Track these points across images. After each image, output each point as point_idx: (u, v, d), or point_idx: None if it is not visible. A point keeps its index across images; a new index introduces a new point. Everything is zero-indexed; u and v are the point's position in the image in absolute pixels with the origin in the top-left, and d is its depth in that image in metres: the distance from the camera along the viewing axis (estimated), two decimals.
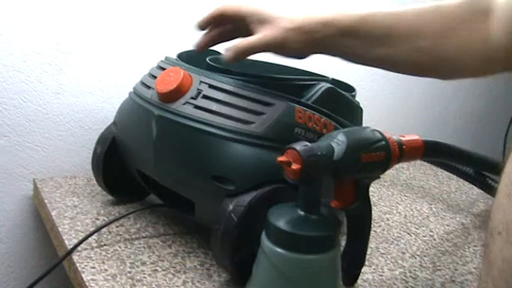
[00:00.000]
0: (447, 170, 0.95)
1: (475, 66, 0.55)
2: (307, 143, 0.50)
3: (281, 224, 0.49)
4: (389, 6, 0.58)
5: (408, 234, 0.81)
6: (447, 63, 0.55)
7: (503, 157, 1.42)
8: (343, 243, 0.57)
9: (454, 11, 0.55)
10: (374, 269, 0.69)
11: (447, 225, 0.87)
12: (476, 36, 0.53)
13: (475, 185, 0.92)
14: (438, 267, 0.72)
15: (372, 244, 0.75)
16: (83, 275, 0.58)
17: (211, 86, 0.61)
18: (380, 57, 0.57)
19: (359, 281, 0.64)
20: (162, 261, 0.63)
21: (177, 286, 0.59)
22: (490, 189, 0.89)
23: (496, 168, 0.85)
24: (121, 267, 0.61)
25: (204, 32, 0.66)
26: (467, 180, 0.92)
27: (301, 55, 0.60)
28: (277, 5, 0.60)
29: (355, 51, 0.58)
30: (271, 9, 0.59)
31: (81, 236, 0.66)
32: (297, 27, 0.58)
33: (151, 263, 0.62)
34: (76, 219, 0.71)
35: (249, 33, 0.60)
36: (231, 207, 0.56)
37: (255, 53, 0.59)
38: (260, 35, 0.58)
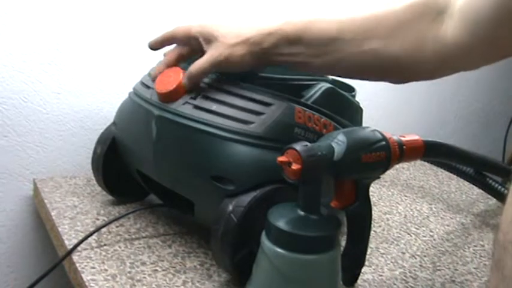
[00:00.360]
0: (447, 170, 0.95)
1: (426, 66, 0.55)
2: (307, 143, 0.50)
3: (281, 224, 0.49)
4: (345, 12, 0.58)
5: (408, 234, 0.81)
6: (396, 65, 0.55)
7: (503, 157, 1.42)
8: (343, 243, 0.57)
9: (402, 13, 0.55)
10: (374, 269, 0.69)
11: (447, 225, 0.87)
12: (426, 36, 0.53)
13: (475, 185, 0.92)
14: (438, 267, 0.72)
15: (372, 244, 0.75)
16: (83, 275, 0.58)
17: (210, 86, 0.61)
18: (329, 63, 0.57)
19: (359, 281, 0.64)
20: (162, 261, 0.63)
21: (177, 286, 0.59)
22: (490, 189, 0.89)
23: (496, 169, 0.85)
24: (121, 267, 0.61)
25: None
26: (467, 180, 0.92)
27: (251, 68, 0.60)
28: (226, 21, 0.61)
29: (303, 59, 0.58)
30: (218, 27, 0.60)
31: (81, 236, 0.66)
32: (242, 41, 0.58)
33: (151, 263, 0.62)
34: (76, 219, 0.71)
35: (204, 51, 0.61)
36: (230, 207, 0.56)
37: (206, 74, 0.60)
38: (207, 56, 0.59)
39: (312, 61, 0.58)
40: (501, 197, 0.88)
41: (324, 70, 0.61)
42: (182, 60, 0.66)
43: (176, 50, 0.66)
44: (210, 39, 0.60)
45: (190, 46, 0.64)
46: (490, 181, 0.88)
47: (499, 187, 0.87)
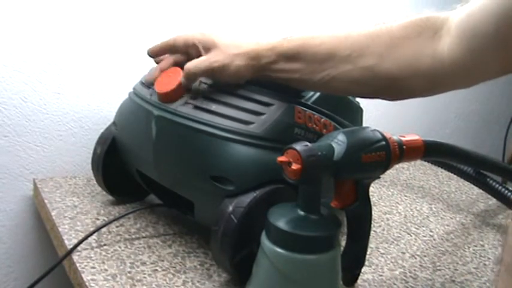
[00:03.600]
0: (448, 170, 0.94)
1: (421, 83, 0.54)
2: (307, 143, 0.50)
3: (281, 224, 0.49)
4: (342, 28, 0.58)
5: (408, 234, 0.81)
6: (390, 82, 0.55)
7: (503, 157, 1.42)
8: (343, 243, 0.57)
9: (399, 30, 0.55)
10: (374, 269, 0.69)
11: (447, 225, 0.87)
12: (423, 53, 0.53)
13: (476, 185, 0.92)
14: (438, 267, 0.72)
15: (372, 244, 0.75)
16: (83, 275, 0.58)
17: (210, 86, 0.61)
18: (325, 80, 0.57)
19: (359, 281, 0.64)
20: (162, 261, 0.63)
21: (177, 286, 0.59)
22: (490, 190, 0.89)
23: (496, 168, 0.85)
24: (121, 267, 0.61)
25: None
26: (467, 180, 0.92)
27: (246, 80, 0.61)
28: (226, 31, 0.61)
29: (299, 75, 0.58)
30: (219, 37, 0.60)
31: (81, 236, 0.66)
32: (241, 53, 0.59)
33: (151, 263, 0.62)
34: (76, 219, 0.71)
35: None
36: (230, 208, 0.56)
37: (201, 75, 0.60)
38: (206, 58, 0.59)
39: (308, 78, 0.58)
40: (501, 197, 0.88)
41: (319, 87, 0.61)
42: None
43: (172, 58, 0.66)
44: (209, 47, 0.60)
45: (188, 55, 0.64)
46: (490, 181, 0.88)
47: (499, 187, 0.87)
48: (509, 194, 0.86)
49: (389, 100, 0.59)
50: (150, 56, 0.67)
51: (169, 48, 0.66)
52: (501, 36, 0.47)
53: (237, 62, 0.58)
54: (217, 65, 0.59)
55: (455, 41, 0.51)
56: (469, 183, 0.93)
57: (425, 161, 1.10)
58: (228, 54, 0.59)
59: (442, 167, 0.99)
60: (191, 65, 0.60)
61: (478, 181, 0.89)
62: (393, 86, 0.56)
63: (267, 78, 0.60)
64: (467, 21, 0.50)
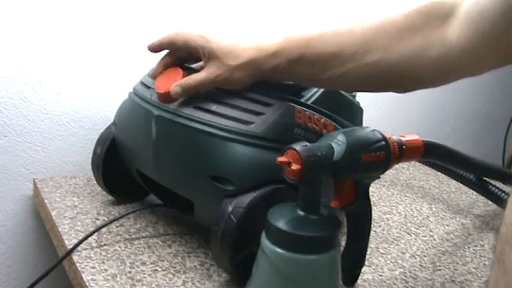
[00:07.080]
0: (447, 175, 0.94)
1: (430, 72, 0.54)
2: (307, 143, 0.50)
3: (281, 224, 0.49)
4: (344, 23, 0.57)
5: (408, 234, 0.81)
6: (398, 74, 0.54)
7: (503, 157, 1.42)
8: (343, 243, 0.57)
9: (403, 20, 0.54)
10: (374, 269, 0.69)
11: (447, 225, 0.87)
12: (431, 41, 0.52)
13: (476, 190, 0.91)
14: (438, 267, 0.72)
15: (372, 244, 0.75)
16: (83, 275, 0.58)
17: None
18: (332, 78, 0.57)
19: (359, 281, 0.64)
20: (162, 261, 0.63)
21: (177, 286, 0.59)
22: (490, 195, 0.88)
23: (496, 173, 0.84)
24: (121, 267, 0.61)
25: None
26: (467, 186, 0.91)
27: (246, 86, 0.60)
28: (226, 33, 0.61)
29: (307, 76, 0.58)
30: (219, 44, 0.59)
31: (81, 236, 0.66)
32: (242, 64, 0.58)
33: (151, 263, 0.62)
34: (76, 219, 0.71)
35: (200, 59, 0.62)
36: (230, 208, 0.56)
37: (202, 90, 0.60)
38: (206, 73, 0.59)
39: (314, 78, 0.57)
40: (501, 202, 0.88)
41: (326, 85, 0.60)
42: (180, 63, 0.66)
43: (175, 53, 0.65)
44: (210, 56, 0.59)
45: (187, 54, 0.64)
46: (490, 186, 0.87)
47: (500, 192, 0.87)
48: (503, 194, 0.86)
49: (399, 93, 0.59)
50: (150, 51, 0.67)
51: (169, 46, 0.66)
52: (508, 22, 0.46)
53: (238, 74, 0.58)
54: (219, 79, 0.58)
55: (464, 26, 0.50)
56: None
57: (425, 163, 1.10)
58: (229, 66, 0.58)
59: (443, 172, 0.99)
60: (192, 80, 0.59)
61: (479, 186, 0.89)
62: (402, 78, 0.55)
63: (270, 81, 0.60)
64: (475, 5, 0.50)
